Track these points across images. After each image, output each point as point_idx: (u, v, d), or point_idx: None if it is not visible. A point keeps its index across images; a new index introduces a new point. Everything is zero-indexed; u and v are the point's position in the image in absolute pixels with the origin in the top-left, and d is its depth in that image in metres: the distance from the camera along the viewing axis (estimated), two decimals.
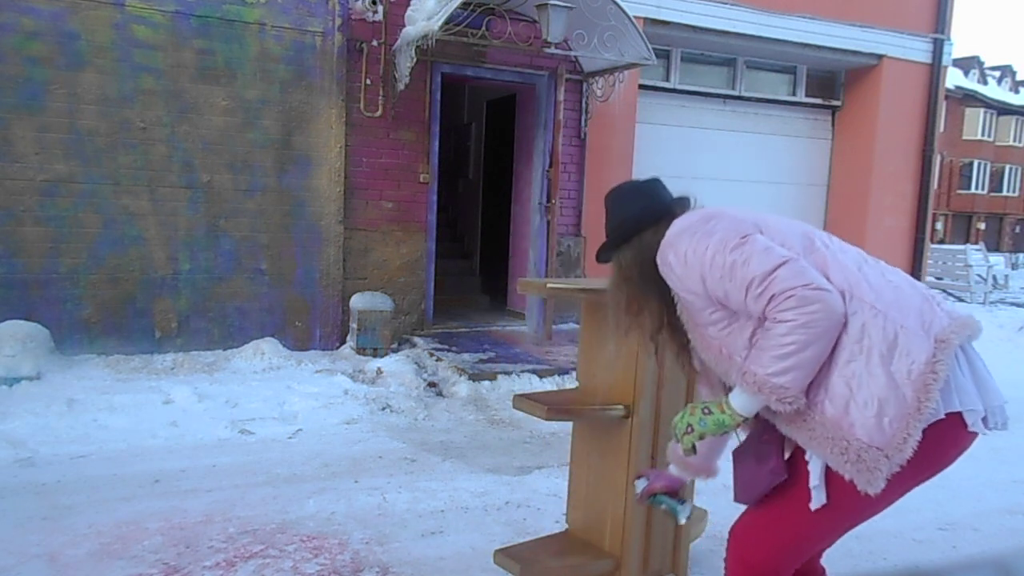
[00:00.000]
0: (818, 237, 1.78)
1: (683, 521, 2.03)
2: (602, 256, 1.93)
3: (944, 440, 1.61)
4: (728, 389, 1.79)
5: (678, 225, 1.78)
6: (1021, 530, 3.53)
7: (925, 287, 1.78)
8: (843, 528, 1.76)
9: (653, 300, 1.85)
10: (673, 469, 2.06)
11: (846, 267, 1.70)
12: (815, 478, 1.65)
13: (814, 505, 1.66)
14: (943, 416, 1.58)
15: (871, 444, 1.56)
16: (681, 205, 1.88)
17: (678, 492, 2.07)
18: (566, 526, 2.82)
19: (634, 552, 2.51)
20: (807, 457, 1.68)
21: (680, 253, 1.73)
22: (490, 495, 3.61)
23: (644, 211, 1.85)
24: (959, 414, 1.59)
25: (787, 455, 1.74)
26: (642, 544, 2.53)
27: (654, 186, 1.92)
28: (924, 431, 1.55)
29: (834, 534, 1.78)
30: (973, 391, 1.62)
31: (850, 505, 1.66)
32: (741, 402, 1.68)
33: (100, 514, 3.21)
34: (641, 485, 2.12)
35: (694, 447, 1.78)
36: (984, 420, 1.62)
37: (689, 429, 1.76)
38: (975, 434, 1.64)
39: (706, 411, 1.74)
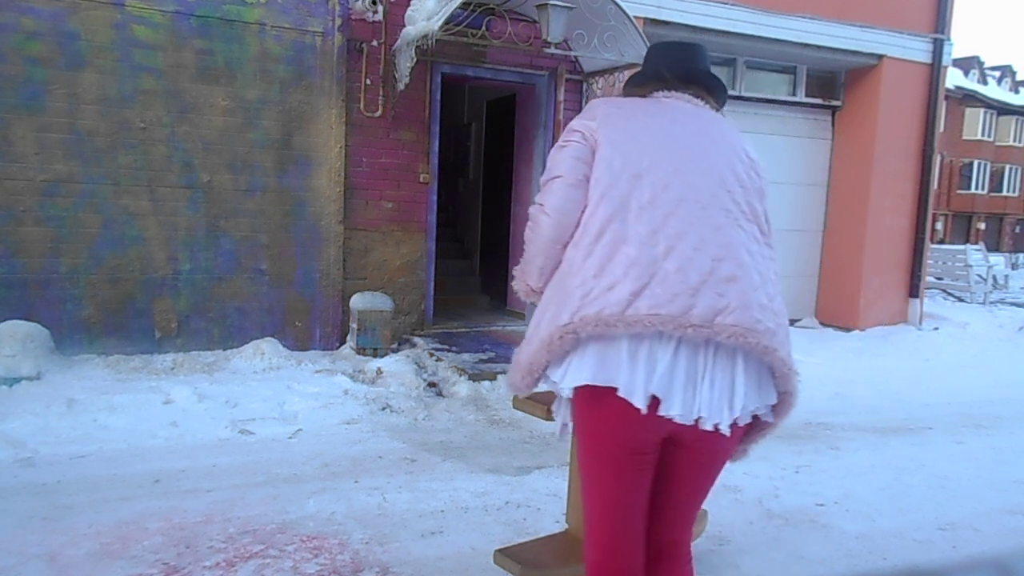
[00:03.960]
0: (646, 186, 1.68)
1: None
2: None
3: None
4: None
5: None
6: (1021, 530, 3.52)
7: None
8: (615, 464, 1.72)
9: None
10: None
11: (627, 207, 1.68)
12: (556, 405, 1.86)
13: (556, 429, 1.86)
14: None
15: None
16: (657, 78, 1.90)
17: None
18: (566, 526, 2.82)
19: None
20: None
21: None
22: (490, 495, 3.61)
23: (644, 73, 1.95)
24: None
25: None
26: None
27: (674, 53, 1.93)
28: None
29: (616, 480, 1.74)
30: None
31: (584, 428, 1.75)
32: None
33: (100, 514, 3.21)
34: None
35: None
36: None
37: None
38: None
39: None
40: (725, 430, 1.60)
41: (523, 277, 1.86)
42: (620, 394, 1.59)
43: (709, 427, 1.59)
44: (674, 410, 1.58)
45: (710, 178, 1.70)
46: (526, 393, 1.83)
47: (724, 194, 1.69)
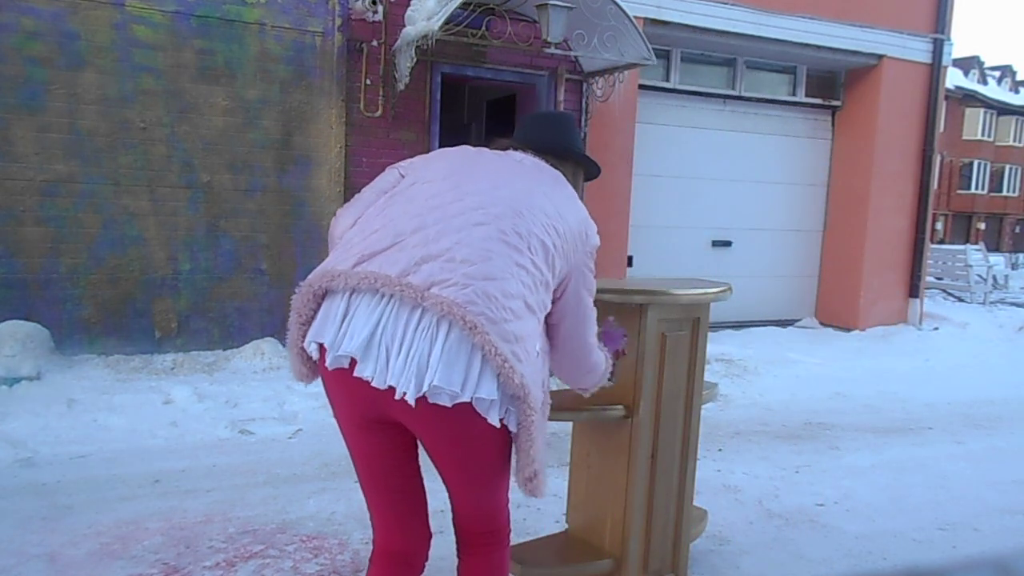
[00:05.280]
0: (429, 189, 1.79)
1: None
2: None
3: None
4: None
5: None
6: (1021, 530, 3.53)
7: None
8: (349, 437, 1.80)
9: None
10: None
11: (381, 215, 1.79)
12: None
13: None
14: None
15: None
16: (519, 141, 2.03)
17: None
18: (566, 526, 2.82)
19: (634, 552, 2.51)
20: None
21: None
22: None
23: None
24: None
25: None
26: (642, 544, 2.53)
27: (528, 125, 2.09)
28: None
29: (353, 452, 1.82)
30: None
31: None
32: None
33: (100, 514, 3.21)
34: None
35: None
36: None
37: None
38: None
39: None
40: (411, 400, 1.54)
41: None
42: (326, 347, 1.64)
43: (398, 396, 1.55)
44: (367, 372, 1.57)
45: (496, 196, 1.73)
46: (307, 377, 1.81)
47: (505, 208, 1.71)
